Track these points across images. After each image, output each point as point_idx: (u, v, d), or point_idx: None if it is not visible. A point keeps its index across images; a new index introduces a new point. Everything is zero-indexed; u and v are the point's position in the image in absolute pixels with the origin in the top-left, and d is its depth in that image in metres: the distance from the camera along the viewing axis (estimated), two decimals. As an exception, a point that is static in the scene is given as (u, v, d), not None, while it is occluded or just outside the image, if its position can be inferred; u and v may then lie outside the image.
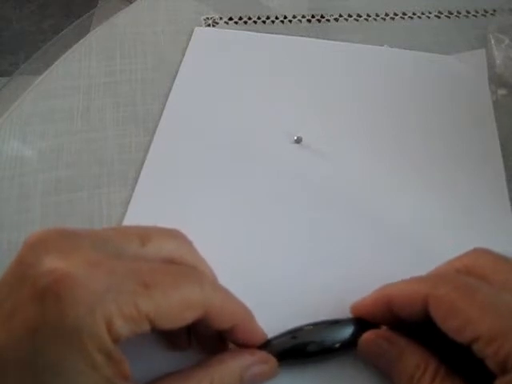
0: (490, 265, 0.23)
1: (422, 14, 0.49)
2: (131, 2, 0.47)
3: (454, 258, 0.25)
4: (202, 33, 0.44)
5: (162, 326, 0.20)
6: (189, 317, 0.20)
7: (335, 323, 0.25)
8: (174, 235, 0.24)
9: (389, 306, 0.24)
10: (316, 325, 0.25)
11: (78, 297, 0.18)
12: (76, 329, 0.18)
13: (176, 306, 0.20)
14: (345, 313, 0.26)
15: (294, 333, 0.25)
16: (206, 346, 0.25)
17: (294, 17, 0.47)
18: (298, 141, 0.36)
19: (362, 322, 0.25)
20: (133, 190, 0.33)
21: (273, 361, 0.24)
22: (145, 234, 0.22)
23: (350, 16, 0.48)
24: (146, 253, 0.22)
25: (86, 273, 0.19)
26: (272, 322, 0.24)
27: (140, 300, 0.19)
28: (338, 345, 0.25)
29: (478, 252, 0.25)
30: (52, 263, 0.19)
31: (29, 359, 0.18)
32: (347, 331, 0.25)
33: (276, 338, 0.25)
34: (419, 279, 0.24)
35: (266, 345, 0.24)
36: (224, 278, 0.24)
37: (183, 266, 0.23)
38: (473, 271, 0.23)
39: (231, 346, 0.24)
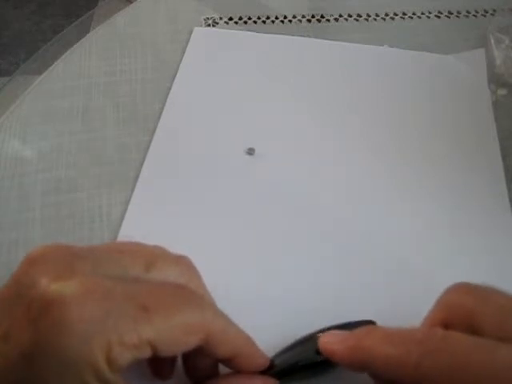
0: (472, 312, 0.21)
1: (422, 13, 0.49)
2: (131, 2, 0.46)
3: (431, 313, 0.23)
4: (201, 33, 0.44)
5: (164, 352, 0.19)
6: (190, 342, 0.20)
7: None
8: (180, 262, 0.23)
9: (365, 362, 0.21)
10: (315, 335, 0.25)
11: (73, 325, 0.18)
12: (72, 358, 0.17)
13: (177, 330, 0.19)
14: (340, 319, 0.26)
15: (295, 348, 0.24)
16: (197, 377, 0.24)
17: (294, 17, 0.47)
18: (251, 152, 0.35)
19: (358, 323, 0.25)
20: (133, 190, 0.33)
21: None
22: (150, 260, 0.22)
23: (350, 16, 0.48)
24: (149, 278, 0.21)
25: (82, 299, 0.18)
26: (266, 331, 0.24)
27: (140, 325, 0.18)
28: None
29: (454, 300, 0.22)
30: (48, 286, 0.18)
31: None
32: None
33: (277, 355, 0.24)
34: (405, 340, 0.21)
35: (270, 366, 0.23)
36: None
37: (183, 289, 0.22)
38: (457, 322, 0.21)
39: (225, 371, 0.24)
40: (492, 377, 0.18)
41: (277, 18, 0.47)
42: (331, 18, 0.47)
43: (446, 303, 0.23)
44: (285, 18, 0.47)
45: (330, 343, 0.23)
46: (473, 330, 0.20)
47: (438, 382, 0.19)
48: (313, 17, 0.47)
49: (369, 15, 0.48)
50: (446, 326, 0.22)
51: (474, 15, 0.50)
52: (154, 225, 0.31)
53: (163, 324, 0.19)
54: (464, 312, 0.21)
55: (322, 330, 0.25)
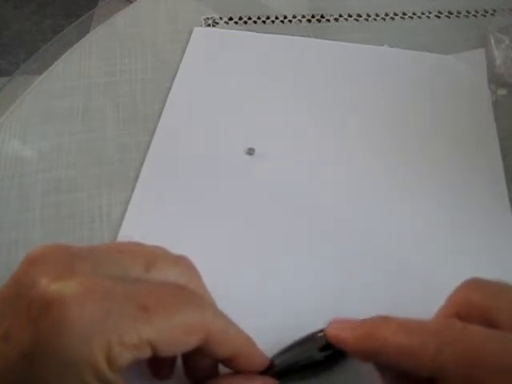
0: (487, 307, 0.21)
1: (422, 13, 0.49)
2: (131, 2, 0.46)
3: (442, 309, 0.23)
4: (201, 33, 0.44)
5: (164, 352, 0.19)
6: (190, 342, 0.20)
7: None
8: (180, 262, 0.23)
9: (377, 351, 0.21)
10: (315, 335, 0.25)
11: (73, 325, 0.18)
12: (72, 358, 0.17)
13: (177, 330, 0.19)
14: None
15: (295, 348, 0.24)
16: (197, 377, 0.24)
17: (294, 17, 0.47)
18: (251, 152, 0.35)
19: None
20: (133, 190, 0.33)
21: None
22: (150, 260, 0.22)
23: (350, 16, 0.48)
24: (149, 279, 0.21)
25: (82, 299, 0.18)
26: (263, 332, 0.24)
27: (140, 325, 0.18)
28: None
29: (465, 296, 0.22)
30: (48, 286, 0.18)
31: None
32: None
33: (277, 355, 0.24)
34: (420, 331, 0.20)
35: (269, 366, 0.23)
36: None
37: (183, 289, 0.22)
38: (470, 317, 0.21)
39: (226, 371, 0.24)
40: (507, 367, 0.18)
41: (277, 18, 0.47)
42: (331, 18, 0.47)
43: (457, 299, 0.23)
44: (285, 18, 0.47)
45: (340, 329, 0.23)
46: (488, 324, 0.20)
47: (455, 372, 0.19)
48: (313, 17, 0.47)
49: (369, 15, 0.48)
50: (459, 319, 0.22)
51: (474, 15, 0.50)
52: (154, 225, 0.31)
53: (163, 324, 0.19)
54: (477, 307, 0.21)
55: (322, 330, 0.25)
